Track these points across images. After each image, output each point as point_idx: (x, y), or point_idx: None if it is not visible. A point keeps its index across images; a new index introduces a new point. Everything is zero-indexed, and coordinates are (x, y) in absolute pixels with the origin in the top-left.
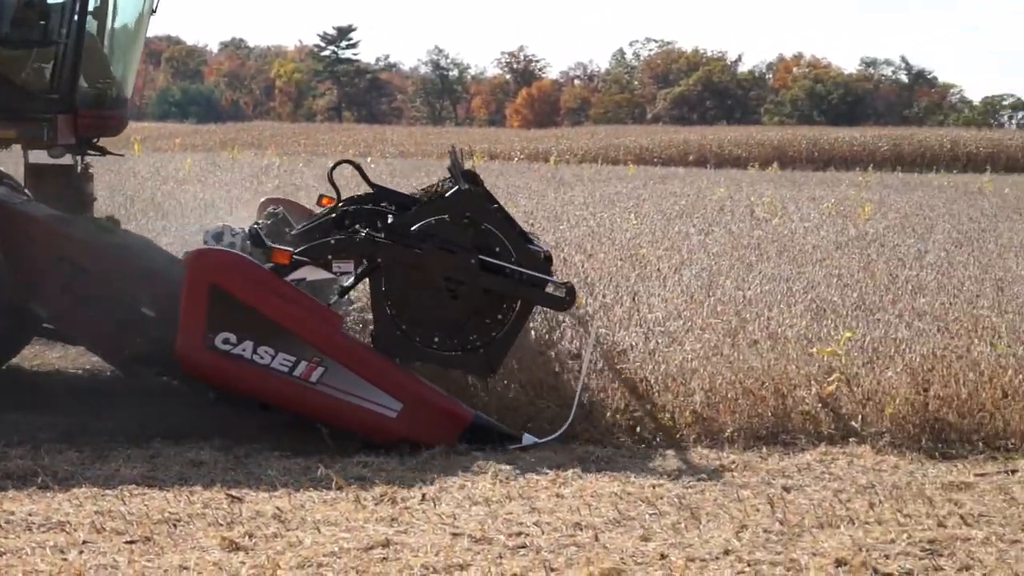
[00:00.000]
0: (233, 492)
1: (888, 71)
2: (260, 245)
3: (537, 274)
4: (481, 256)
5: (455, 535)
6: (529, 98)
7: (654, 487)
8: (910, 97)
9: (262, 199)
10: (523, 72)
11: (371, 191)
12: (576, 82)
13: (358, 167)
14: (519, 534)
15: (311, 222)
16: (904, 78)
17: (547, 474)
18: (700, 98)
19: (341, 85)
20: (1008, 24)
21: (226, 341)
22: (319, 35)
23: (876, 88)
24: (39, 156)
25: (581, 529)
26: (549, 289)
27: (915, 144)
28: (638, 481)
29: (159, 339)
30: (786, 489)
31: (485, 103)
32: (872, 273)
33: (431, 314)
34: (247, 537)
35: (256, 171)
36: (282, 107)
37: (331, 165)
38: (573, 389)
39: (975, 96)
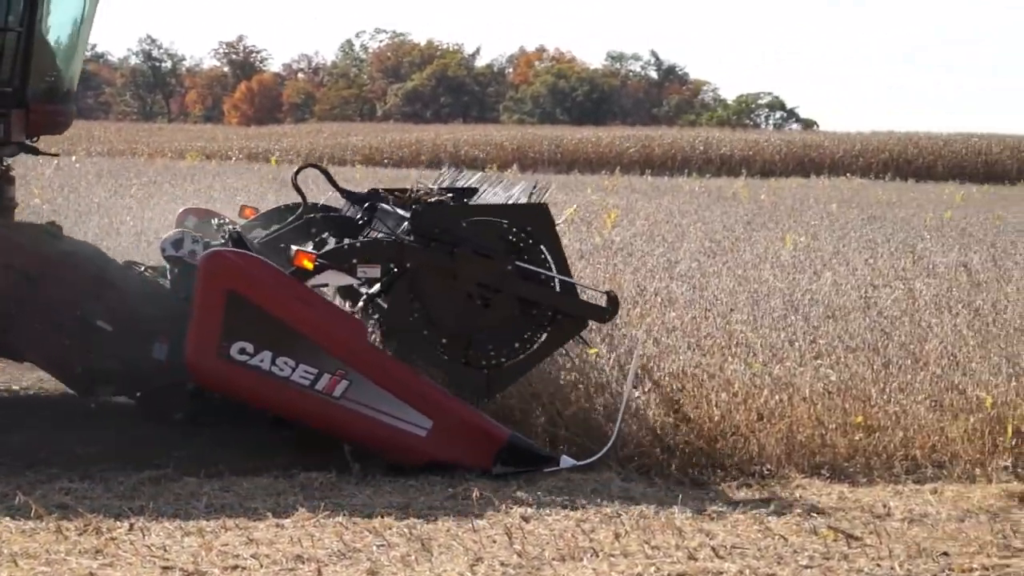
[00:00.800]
0: None
1: (636, 66)
2: (243, 248)
3: (574, 281)
4: (518, 263)
5: (165, 568)
6: (249, 92)
7: (382, 517)
8: (660, 94)
9: (180, 209)
10: (243, 64)
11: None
12: (300, 75)
13: (326, 172)
14: (235, 567)
15: (278, 229)
16: (654, 74)
17: (266, 502)
18: (434, 94)
19: None
20: (762, 17)
21: (243, 351)
22: None
23: (623, 84)
24: None
25: (303, 562)
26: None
27: (665, 145)
28: (365, 510)
29: (115, 355)
30: (525, 519)
31: (201, 97)
32: (619, 285)
33: (462, 324)
34: None
35: None
36: None
37: (295, 169)
38: (608, 412)
39: (729, 94)
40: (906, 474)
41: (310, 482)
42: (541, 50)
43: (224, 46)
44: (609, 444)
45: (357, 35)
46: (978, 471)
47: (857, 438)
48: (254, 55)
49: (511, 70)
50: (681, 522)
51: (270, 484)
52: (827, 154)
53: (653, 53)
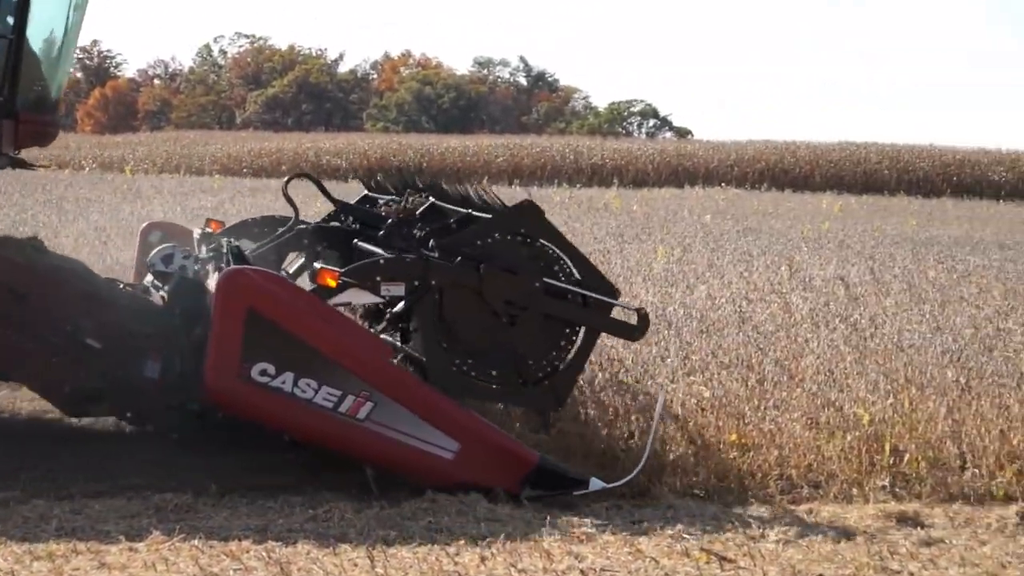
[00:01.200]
0: None
1: (505, 72)
2: (244, 262)
3: (603, 298)
4: (545, 279)
5: None
6: (103, 99)
7: (240, 540)
8: (529, 102)
9: (144, 224)
10: (97, 70)
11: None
12: (156, 81)
13: (317, 182)
14: None
15: (267, 242)
16: (523, 80)
17: (119, 525)
18: (295, 101)
19: None
20: (635, 22)
21: (264, 372)
22: None
23: (491, 91)
24: None
25: None
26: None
27: (534, 154)
28: (222, 533)
29: (106, 373)
30: (387, 541)
31: None
32: None
33: (487, 343)
34: None
35: None
36: None
37: (285, 179)
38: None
39: (600, 101)
40: (781, 494)
41: (165, 504)
42: (406, 55)
43: (77, 51)
44: (640, 466)
45: (216, 40)
46: (855, 491)
47: (731, 457)
48: (108, 60)
49: (375, 76)
50: (549, 544)
51: (123, 506)
52: (701, 163)
53: (522, 59)
